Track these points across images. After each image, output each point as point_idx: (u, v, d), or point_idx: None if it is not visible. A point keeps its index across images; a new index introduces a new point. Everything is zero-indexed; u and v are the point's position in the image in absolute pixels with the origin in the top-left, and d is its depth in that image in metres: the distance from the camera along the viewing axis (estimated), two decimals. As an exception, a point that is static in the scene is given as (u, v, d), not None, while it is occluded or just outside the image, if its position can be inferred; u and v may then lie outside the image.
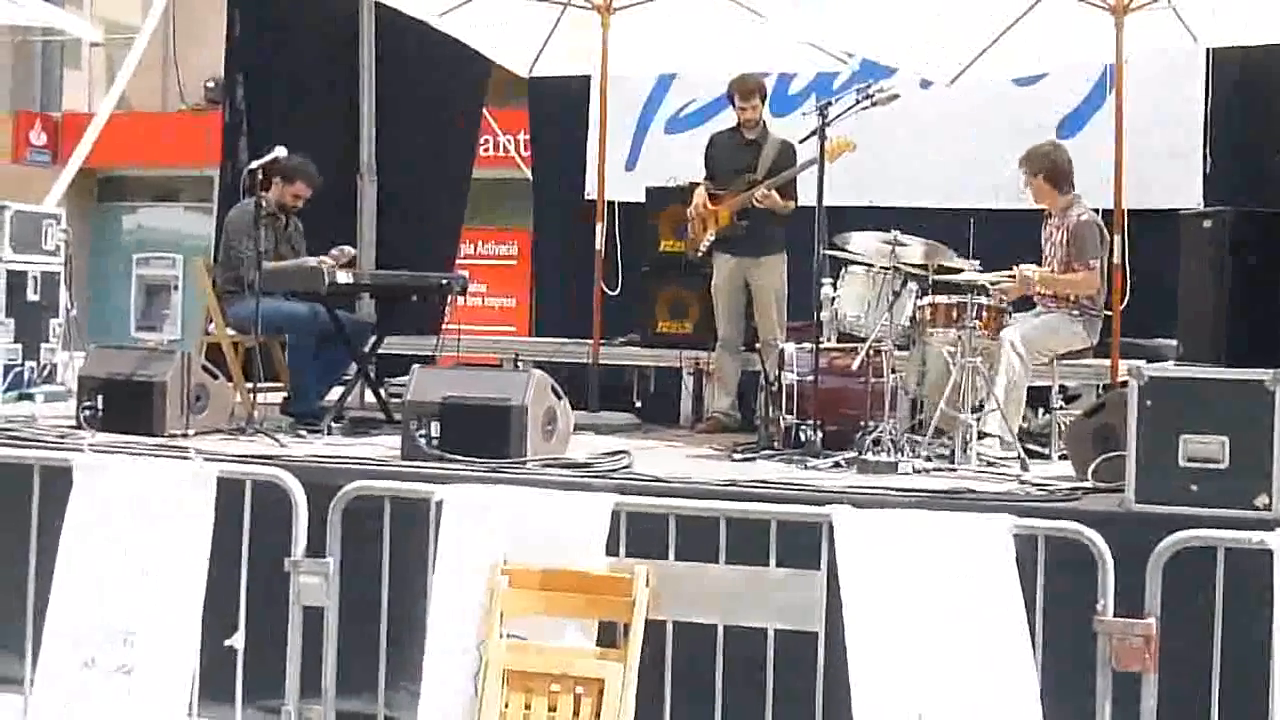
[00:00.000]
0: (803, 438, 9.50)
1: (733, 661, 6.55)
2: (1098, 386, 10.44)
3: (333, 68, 14.71)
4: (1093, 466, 8.06)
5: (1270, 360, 7.40)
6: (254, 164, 10.38)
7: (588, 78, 12.93)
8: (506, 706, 6.46)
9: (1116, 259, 10.13)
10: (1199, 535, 6.17)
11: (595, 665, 6.44)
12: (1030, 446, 9.53)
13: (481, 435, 8.71)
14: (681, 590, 6.50)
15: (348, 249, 11.08)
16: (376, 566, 6.95)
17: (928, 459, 9.03)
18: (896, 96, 10.00)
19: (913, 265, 9.66)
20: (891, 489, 7.98)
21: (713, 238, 11.31)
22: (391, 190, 14.82)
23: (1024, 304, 10.11)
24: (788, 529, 6.53)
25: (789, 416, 9.72)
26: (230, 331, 10.99)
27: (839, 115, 9.82)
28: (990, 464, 9.07)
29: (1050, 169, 10.06)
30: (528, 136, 16.14)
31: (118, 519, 7.11)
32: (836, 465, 8.98)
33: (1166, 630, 6.03)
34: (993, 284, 9.63)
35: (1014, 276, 9.81)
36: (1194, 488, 7.17)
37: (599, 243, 11.92)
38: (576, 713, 6.40)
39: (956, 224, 11.48)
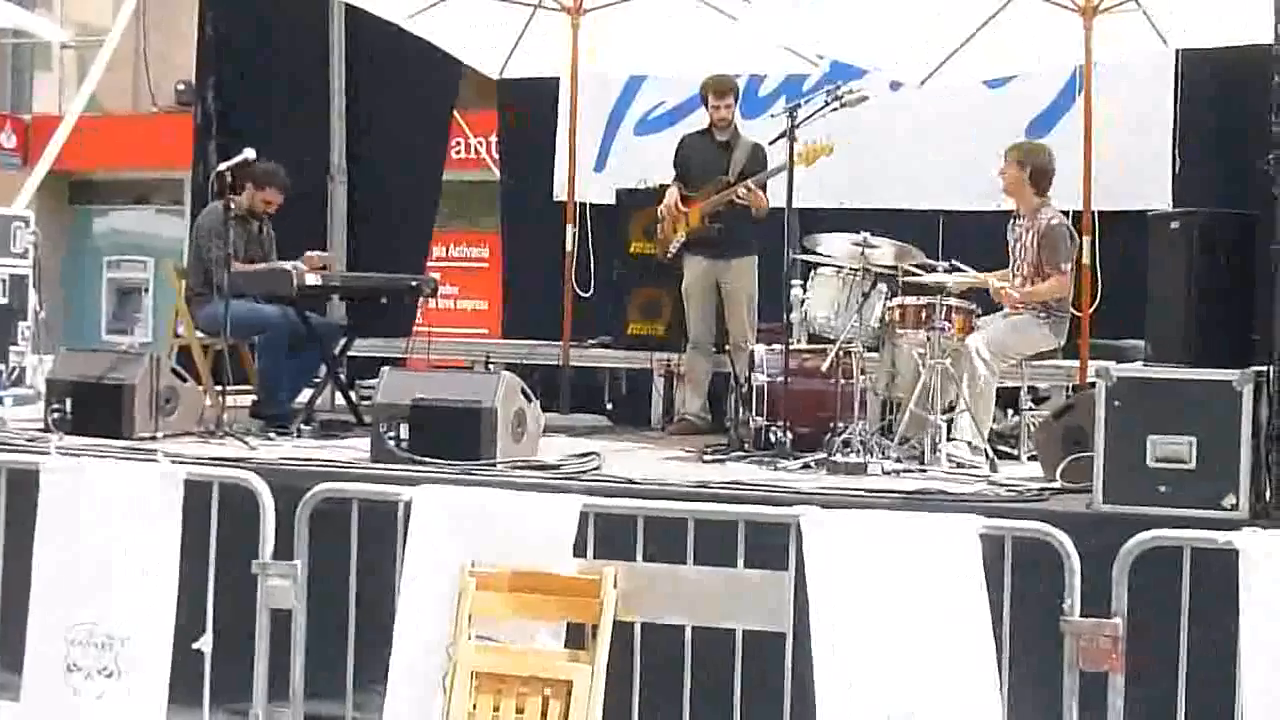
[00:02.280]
0: (773, 439, 9.51)
1: (701, 663, 6.55)
2: (1067, 387, 10.45)
3: (304, 70, 14.67)
4: (1061, 467, 8.08)
5: (1238, 361, 7.42)
6: (222, 166, 10.36)
7: (557, 79, 12.94)
8: (475, 708, 6.46)
9: (1086, 260, 10.15)
10: (1165, 535, 6.19)
11: (563, 667, 6.44)
12: (1000, 448, 9.55)
13: (451, 437, 8.71)
14: (650, 592, 6.49)
15: (321, 254, 11.06)
16: (345, 569, 6.95)
17: (897, 460, 9.04)
18: (865, 98, 10.02)
19: (882, 267, 9.67)
20: (861, 490, 7.99)
21: (682, 239, 11.30)
22: (362, 192, 14.78)
23: (993, 305, 10.11)
24: (756, 530, 6.53)
25: (759, 418, 9.73)
26: (200, 334, 10.97)
27: (808, 117, 9.83)
28: (959, 465, 9.08)
29: (1037, 166, 10.02)
30: (499, 139, 16.12)
31: (88, 522, 7.11)
32: (806, 467, 9.00)
33: (1134, 631, 6.04)
34: (964, 286, 9.66)
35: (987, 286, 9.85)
36: (1162, 488, 7.19)
37: (569, 244, 11.92)
38: (544, 714, 6.40)
39: (927, 225, 11.48)
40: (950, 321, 9.33)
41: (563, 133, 13.07)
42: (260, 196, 11.09)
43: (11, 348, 11.91)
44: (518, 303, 14.68)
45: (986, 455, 9.14)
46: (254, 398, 10.96)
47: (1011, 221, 10.18)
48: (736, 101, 11.43)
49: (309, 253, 10.99)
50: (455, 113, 15.62)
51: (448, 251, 21.68)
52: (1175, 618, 6.16)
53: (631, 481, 8.10)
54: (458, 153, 18.41)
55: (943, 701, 6.10)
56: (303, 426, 10.17)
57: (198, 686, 7.00)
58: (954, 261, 9.88)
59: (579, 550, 6.62)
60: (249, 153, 10.35)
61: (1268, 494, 7.22)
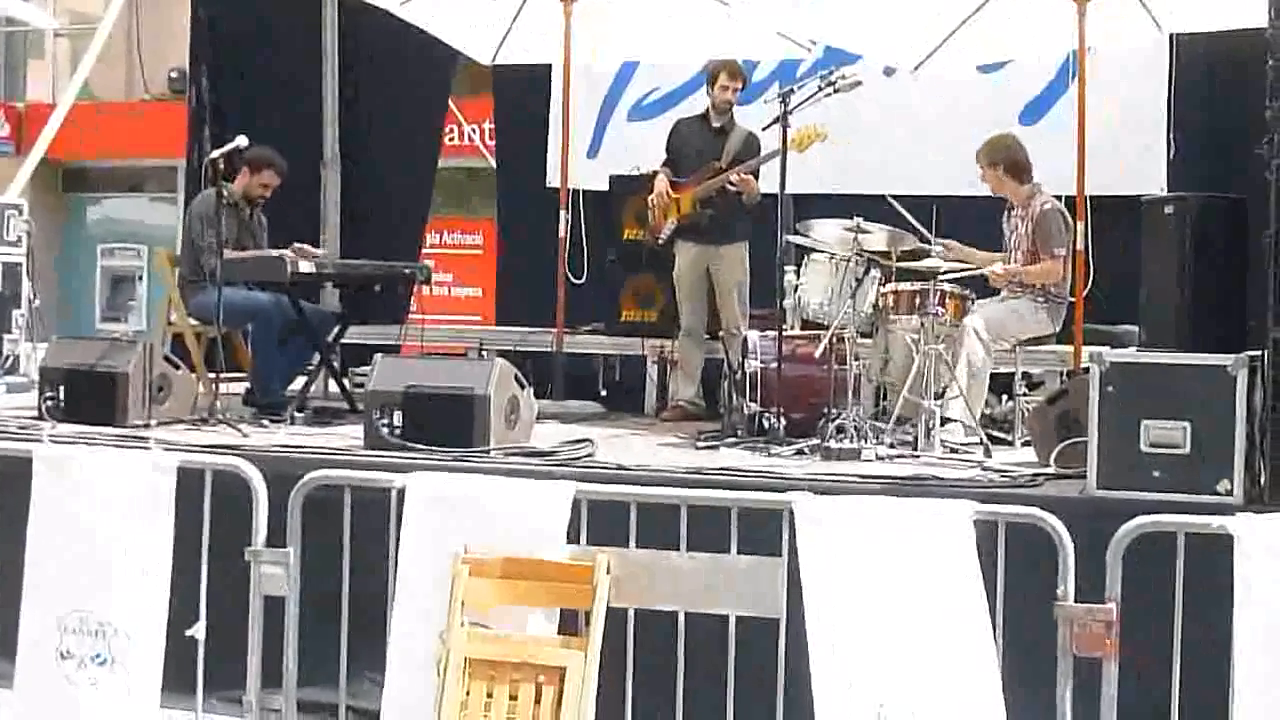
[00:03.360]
0: (766, 425, 9.49)
1: (694, 649, 6.55)
2: (1061, 372, 10.45)
3: (297, 56, 14.66)
4: (1055, 452, 8.07)
5: (1232, 345, 7.41)
6: (215, 153, 10.34)
7: (550, 66, 12.92)
8: (468, 695, 6.43)
9: (1080, 246, 10.13)
10: (1159, 520, 6.18)
11: (556, 653, 6.42)
12: (994, 433, 9.56)
13: (444, 424, 8.69)
14: (643, 578, 6.48)
15: (309, 248, 11.02)
16: (338, 556, 6.94)
17: (891, 446, 9.03)
18: (859, 83, 9.98)
19: (875, 252, 9.66)
20: (854, 476, 7.97)
21: (674, 225, 11.29)
22: (357, 179, 14.78)
23: (988, 290, 10.11)
24: (749, 516, 6.53)
25: (752, 404, 9.71)
26: (193, 321, 10.95)
27: (801, 103, 9.80)
28: (953, 450, 9.07)
29: (1011, 161, 10.08)
30: (493, 125, 16.10)
31: (81, 509, 7.10)
32: (800, 453, 8.98)
33: (1128, 616, 6.04)
34: (956, 272, 9.67)
35: (979, 273, 9.86)
36: (1156, 473, 7.17)
37: (563, 231, 11.92)
38: (538, 701, 6.38)
39: (921, 210, 11.46)
40: (944, 306, 9.32)
41: (555, 119, 13.07)
42: (257, 180, 11.08)
43: (5, 336, 11.94)
44: (512, 289, 14.68)
45: (980, 441, 9.14)
46: (247, 385, 10.96)
47: (1006, 212, 10.19)
48: (744, 88, 11.43)
49: (296, 244, 10.97)
50: (450, 100, 15.61)
51: (442, 238, 21.68)
52: (1169, 603, 6.16)
53: (624, 468, 8.10)
54: (452, 139, 18.42)
55: (939, 688, 6.09)
56: (296, 414, 10.15)
57: (191, 673, 6.99)
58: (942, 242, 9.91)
59: (572, 537, 6.61)
60: (241, 140, 10.34)
61: (1262, 479, 7.21)
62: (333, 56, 14.72)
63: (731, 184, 10.94)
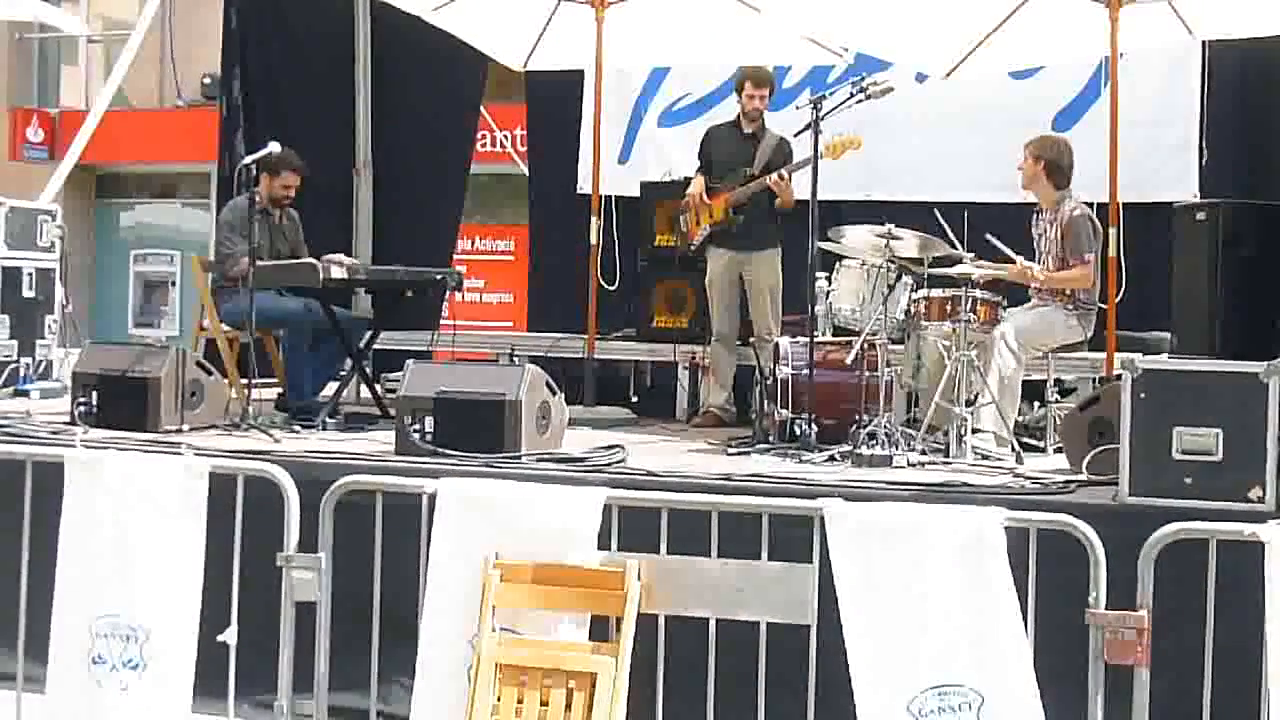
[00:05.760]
0: (797, 432, 9.48)
1: (725, 655, 6.53)
2: (1093, 379, 10.42)
3: (329, 63, 14.69)
4: (1087, 459, 8.05)
5: (1264, 352, 7.38)
6: (248, 159, 10.37)
7: (581, 72, 12.95)
8: (499, 701, 6.44)
9: (1112, 252, 10.11)
10: (1190, 528, 6.15)
11: (587, 659, 6.42)
12: (1026, 440, 9.53)
13: (475, 430, 8.71)
14: (674, 584, 6.47)
15: (342, 257, 11.03)
16: (369, 561, 6.95)
17: (922, 453, 9.02)
18: (891, 90, 9.99)
19: (907, 259, 9.65)
20: (885, 482, 7.96)
21: (707, 231, 11.31)
22: (389, 186, 14.79)
23: (1019, 297, 10.09)
24: (780, 523, 6.51)
25: (784, 410, 9.71)
26: (225, 327, 10.98)
27: (833, 109, 9.80)
28: (985, 457, 9.04)
29: (1055, 160, 9.98)
30: (525, 132, 16.12)
31: (112, 515, 7.09)
32: (831, 459, 8.97)
33: (1159, 623, 6.02)
34: (986, 277, 9.64)
35: (1013, 264, 9.80)
36: (1188, 480, 7.14)
37: (594, 237, 11.93)
38: (569, 707, 6.38)
39: (952, 217, 11.44)
40: (976, 313, 9.31)
41: (587, 125, 13.08)
42: (277, 183, 11.05)
43: (38, 341, 12.00)
44: (543, 295, 14.68)
45: (1012, 447, 9.12)
46: (279, 391, 10.98)
47: (1035, 216, 10.14)
48: (771, 95, 11.43)
49: (328, 256, 10.99)
50: (482, 106, 15.63)
51: (474, 244, 21.73)
52: (1201, 610, 6.14)
53: (655, 474, 8.10)
54: (484, 146, 18.44)
55: (976, 694, 6.08)
56: (328, 419, 10.17)
57: (223, 678, 6.99)
58: (988, 236, 9.86)
59: (603, 543, 6.60)
60: (274, 146, 10.37)
61: (1294, 486, 7.18)
62: (365, 62, 14.74)
63: (772, 184, 10.93)
